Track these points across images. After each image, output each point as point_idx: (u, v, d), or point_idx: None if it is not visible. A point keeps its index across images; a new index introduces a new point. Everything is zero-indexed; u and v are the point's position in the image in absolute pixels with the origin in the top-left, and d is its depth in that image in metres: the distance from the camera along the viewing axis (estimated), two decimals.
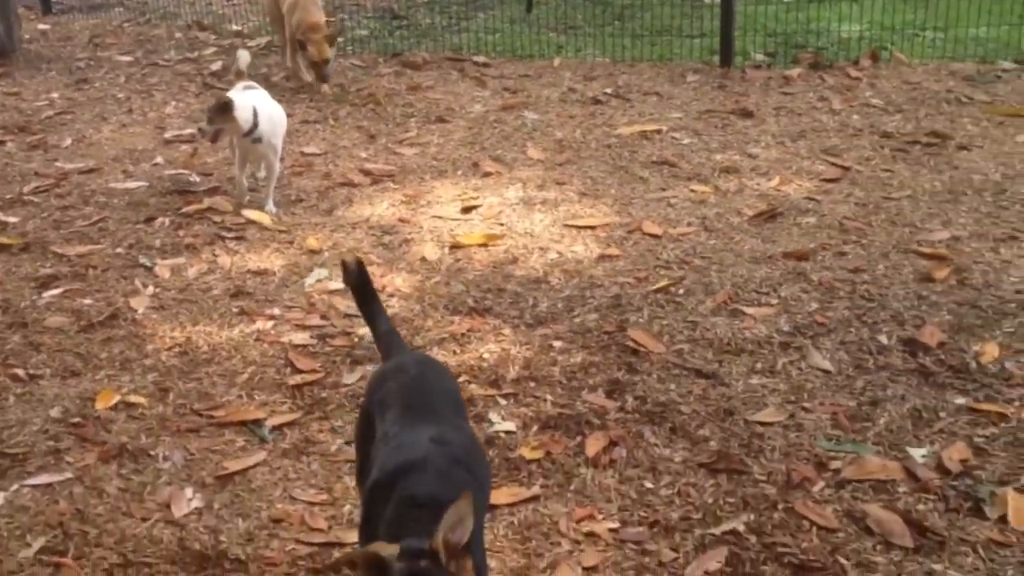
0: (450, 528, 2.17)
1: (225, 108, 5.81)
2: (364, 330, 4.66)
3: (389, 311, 4.61)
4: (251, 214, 5.99)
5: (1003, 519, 3.30)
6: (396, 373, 2.97)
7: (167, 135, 7.53)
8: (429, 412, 2.78)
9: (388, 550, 2.17)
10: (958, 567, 3.13)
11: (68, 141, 7.45)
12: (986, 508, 3.35)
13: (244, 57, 6.54)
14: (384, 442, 2.72)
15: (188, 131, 7.57)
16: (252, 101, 5.98)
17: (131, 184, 6.61)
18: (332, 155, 6.92)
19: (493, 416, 4.02)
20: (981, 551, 3.19)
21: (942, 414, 3.86)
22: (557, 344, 4.49)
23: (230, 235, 5.79)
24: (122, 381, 4.42)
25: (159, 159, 7.05)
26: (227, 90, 6.77)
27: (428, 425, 2.70)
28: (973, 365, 4.14)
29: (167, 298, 5.12)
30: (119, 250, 5.67)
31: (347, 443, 3.93)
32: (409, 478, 2.47)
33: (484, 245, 5.45)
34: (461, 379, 4.21)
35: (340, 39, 8.48)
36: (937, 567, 3.13)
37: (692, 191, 5.98)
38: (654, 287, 4.90)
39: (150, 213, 6.11)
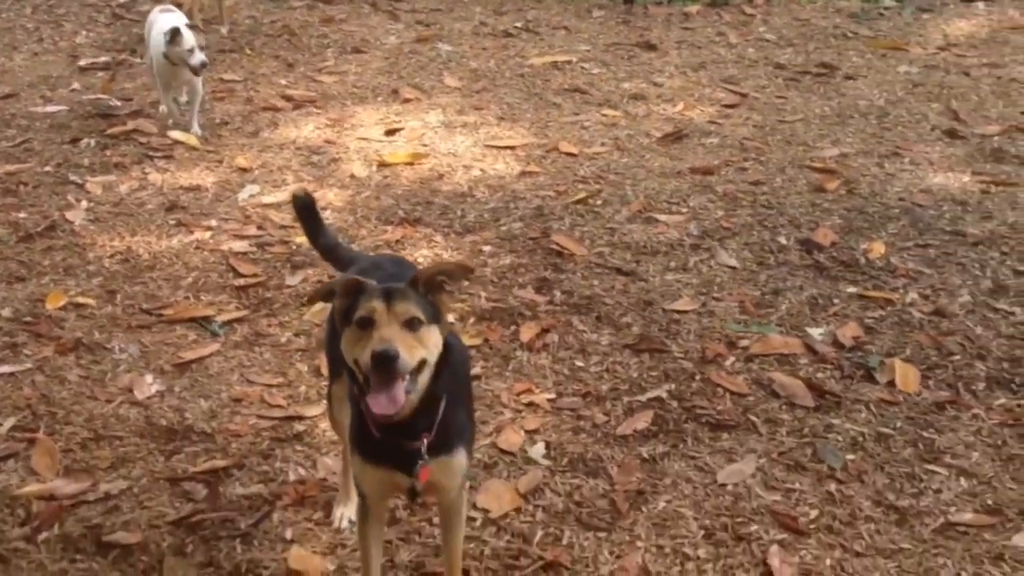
0: (435, 270, 2.43)
1: (176, 34, 5.95)
2: (301, 238, 4.90)
3: None
4: (177, 135, 6.14)
5: (891, 384, 3.75)
6: (372, 270, 3.04)
7: (81, 63, 7.58)
8: None
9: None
10: (853, 421, 3.57)
11: None
12: (876, 375, 3.80)
13: None
14: None
15: (102, 59, 7.64)
16: (175, 24, 6.12)
17: (51, 108, 6.68)
18: (252, 82, 7.08)
19: None
20: (873, 408, 3.63)
21: (836, 300, 4.30)
22: (487, 249, 4.81)
23: (158, 155, 5.95)
24: (68, 284, 4.59)
25: (76, 85, 7.11)
26: (140, 21, 6.88)
27: None
28: (862, 260, 4.59)
29: (102, 212, 5.27)
30: (47, 168, 5.78)
31: (296, 335, 4.20)
32: None
33: (410, 164, 5.72)
34: None
35: None
36: (835, 421, 3.57)
37: (603, 115, 6.34)
38: (573, 199, 5.25)
39: (74, 135, 6.21)
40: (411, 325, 2.29)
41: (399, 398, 2.25)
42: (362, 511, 2.68)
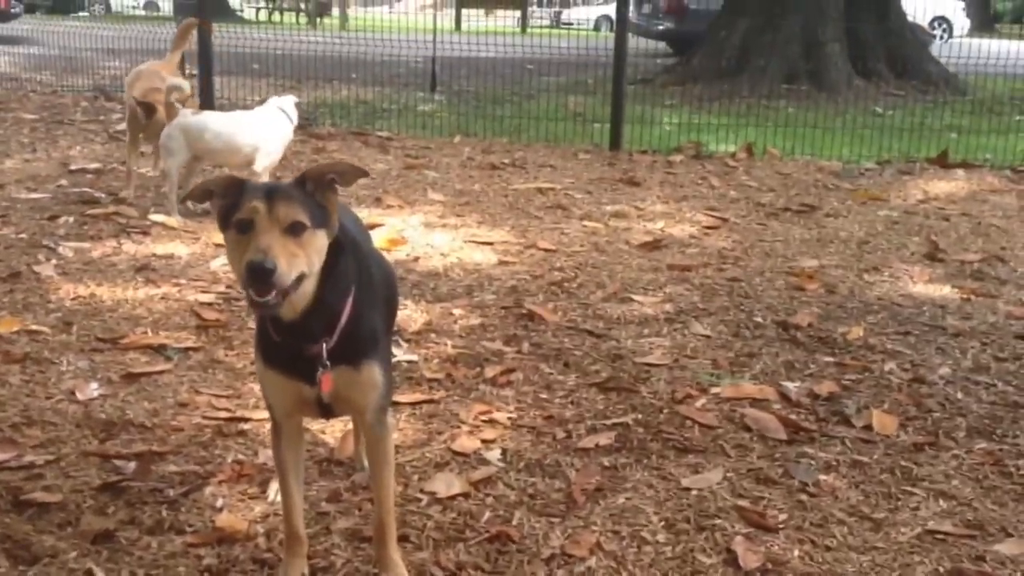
0: (326, 167, 2.27)
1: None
2: None
3: None
4: (159, 218, 6.13)
5: (868, 428, 3.59)
6: None
7: (72, 167, 7.63)
8: None
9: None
10: (828, 451, 3.39)
11: None
12: (853, 419, 3.64)
13: (184, 86, 6.63)
14: None
15: (93, 166, 7.70)
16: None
17: (35, 195, 6.69)
18: None
19: (395, 351, 4.19)
20: (849, 443, 3.46)
21: (812, 366, 4.18)
22: (457, 312, 4.71)
23: (135, 231, 5.92)
24: (25, 317, 4.45)
25: (64, 182, 7.15)
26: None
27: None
28: (840, 340, 4.49)
29: (71, 268, 5.19)
30: (22, 235, 5.72)
31: (252, 362, 4.03)
32: None
33: (387, 249, 5.68)
34: None
35: None
36: (809, 450, 3.39)
37: (584, 226, 6.36)
38: (549, 280, 5.19)
39: (54, 213, 6.19)
40: (294, 230, 2.15)
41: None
42: (274, 430, 2.50)
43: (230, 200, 2.21)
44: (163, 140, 6.18)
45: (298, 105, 6.53)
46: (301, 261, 2.15)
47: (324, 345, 2.29)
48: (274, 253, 2.09)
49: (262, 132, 6.20)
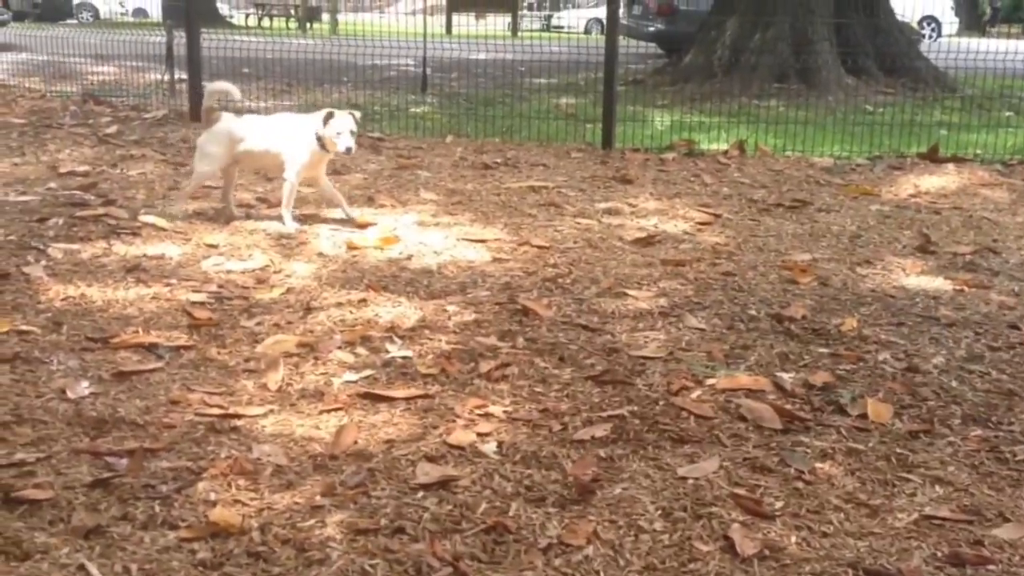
0: None
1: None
2: (262, 295, 4.81)
3: (285, 288, 4.81)
4: (149, 219, 6.10)
5: (863, 416, 3.58)
6: None
7: (61, 170, 7.60)
8: None
9: None
10: (823, 439, 3.38)
11: None
12: (848, 408, 3.63)
13: (233, 90, 6.49)
14: None
15: (82, 168, 7.67)
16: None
17: (24, 198, 6.65)
18: None
19: (389, 347, 4.17)
20: (844, 432, 3.45)
21: (806, 357, 4.17)
22: (451, 308, 4.69)
23: (125, 232, 5.88)
24: (14, 317, 4.42)
25: (53, 184, 7.11)
26: (125, 146, 6.91)
27: None
28: (834, 331, 4.48)
29: (60, 269, 5.15)
30: (11, 238, 5.68)
31: (246, 360, 4.02)
32: None
33: (380, 248, 5.67)
34: (355, 329, 4.36)
35: None
36: (805, 439, 3.38)
37: (577, 223, 6.35)
38: (543, 277, 5.17)
39: (43, 215, 6.15)
40: None
41: None
42: None
43: None
44: (203, 144, 6.12)
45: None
46: None
47: None
48: None
49: (290, 135, 6.06)
